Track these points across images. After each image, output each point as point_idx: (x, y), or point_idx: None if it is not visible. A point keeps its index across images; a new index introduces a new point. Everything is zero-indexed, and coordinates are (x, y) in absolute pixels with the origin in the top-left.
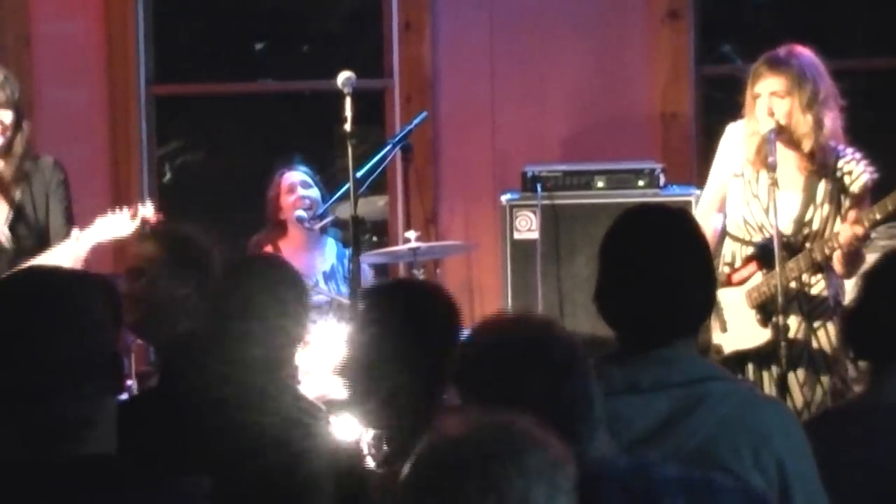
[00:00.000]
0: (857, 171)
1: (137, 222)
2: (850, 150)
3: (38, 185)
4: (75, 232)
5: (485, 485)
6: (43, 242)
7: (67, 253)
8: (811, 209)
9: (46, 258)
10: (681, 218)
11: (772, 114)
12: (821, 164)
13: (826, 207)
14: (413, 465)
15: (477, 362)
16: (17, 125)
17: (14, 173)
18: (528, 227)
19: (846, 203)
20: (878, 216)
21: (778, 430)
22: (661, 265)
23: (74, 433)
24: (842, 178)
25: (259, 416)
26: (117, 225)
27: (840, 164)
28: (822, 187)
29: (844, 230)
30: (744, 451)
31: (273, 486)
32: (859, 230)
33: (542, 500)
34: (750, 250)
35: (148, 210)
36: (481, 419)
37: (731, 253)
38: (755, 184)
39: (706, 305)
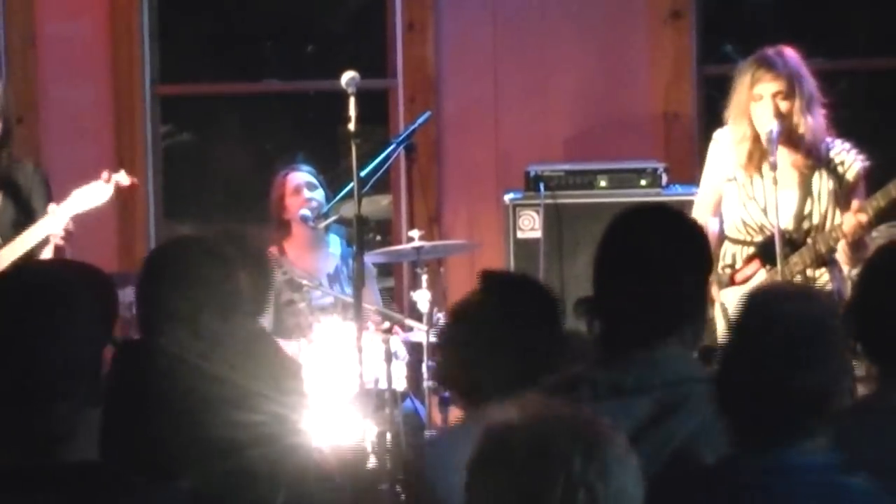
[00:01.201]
0: (848, 160)
1: (112, 189)
2: (838, 142)
3: (21, 187)
4: (52, 207)
5: (596, 479)
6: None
7: (45, 228)
8: (809, 203)
9: (26, 236)
10: (676, 217)
11: (778, 114)
12: (815, 160)
13: (824, 201)
14: (496, 459)
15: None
16: (5, 134)
17: None
18: (531, 226)
19: (842, 193)
20: (881, 203)
21: None
22: (650, 265)
23: (51, 446)
24: (835, 169)
25: (245, 413)
26: (93, 194)
27: (832, 155)
28: (818, 181)
29: (848, 219)
30: (723, 451)
31: (259, 482)
32: (863, 218)
33: (632, 488)
34: (751, 251)
35: (122, 177)
36: (559, 413)
37: (731, 255)
38: (750, 186)
39: (695, 306)
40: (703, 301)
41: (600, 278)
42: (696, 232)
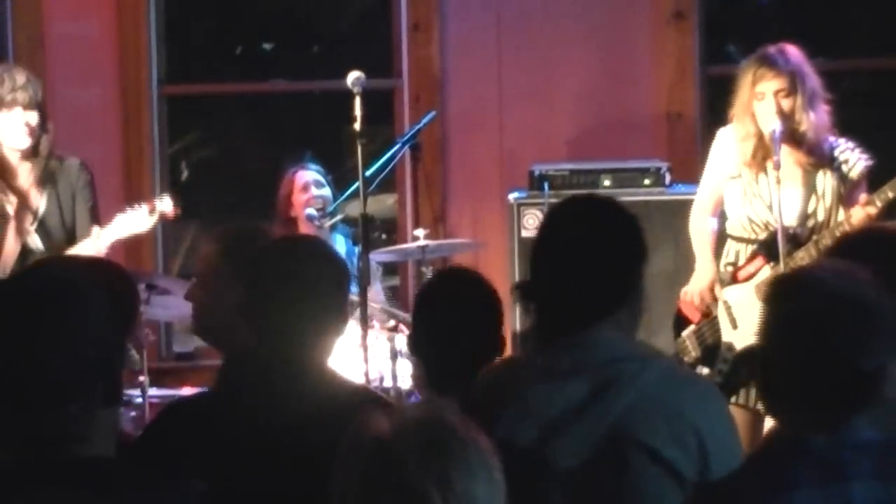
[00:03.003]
0: (853, 158)
1: (156, 217)
2: (842, 141)
3: (65, 185)
4: (96, 230)
5: (433, 485)
6: (70, 242)
7: (88, 250)
8: (814, 201)
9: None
10: (612, 207)
11: (781, 112)
12: (819, 157)
13: (829, 199)
14: (355, 466)
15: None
16: (42, 126)
17: (41, 174)
18: (535, 225)
19: (845, 191)
20: (890, 195)
21: (692, 401)
22: (577, 249)
23: (66, 445)
24: (839, 167)
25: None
26: (136, 221)
27: (836, 154)
28: (822, 179)
29: (857, 212)
30: (659, 425)
31: None
32: (872, 210)
33: (484, 496)
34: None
35: (166, 204)
36: (412, 416)
37: (734, 253)
38: (755, 184)
39: (630, 291)
40: (639, 287)
41: (536, 263)
42: (632, 222)
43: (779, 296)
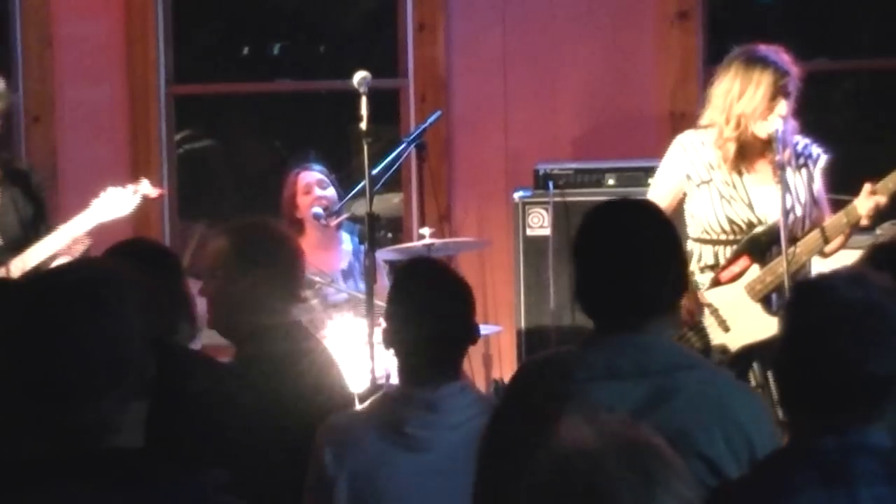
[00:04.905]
0: (815, 153)
1: (139, 199)
2: (799, 137)
3: (19, 186)
4: (81, 216)
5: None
6: (26, 237)
7: (63, 238)
8: (789, 198)
9: (42, 246)
10: (643, 207)
11: (791, 114)
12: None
13: (802, 194)
14: (558, 475)
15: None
16: (5, 134)
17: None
18: (540, 223)
19: (816, 184)
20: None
21: (749, 416)
22: (625, 251)
23: (101, 436)
24: (805, 163)
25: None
26: (117, 203)
27: (799, 149)
28: (791, 175)
29: (864, 203)
30: (718, 437)
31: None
32: (882, 200)
33: (688, 492)
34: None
35: (145, 186)
36: (614, 432)
37: (712, 255)
38: (730, 186)
39: (678, 294)
40: (683, 291)
41: (587, 261)
42: (672, 224)
43: (792, 305)
